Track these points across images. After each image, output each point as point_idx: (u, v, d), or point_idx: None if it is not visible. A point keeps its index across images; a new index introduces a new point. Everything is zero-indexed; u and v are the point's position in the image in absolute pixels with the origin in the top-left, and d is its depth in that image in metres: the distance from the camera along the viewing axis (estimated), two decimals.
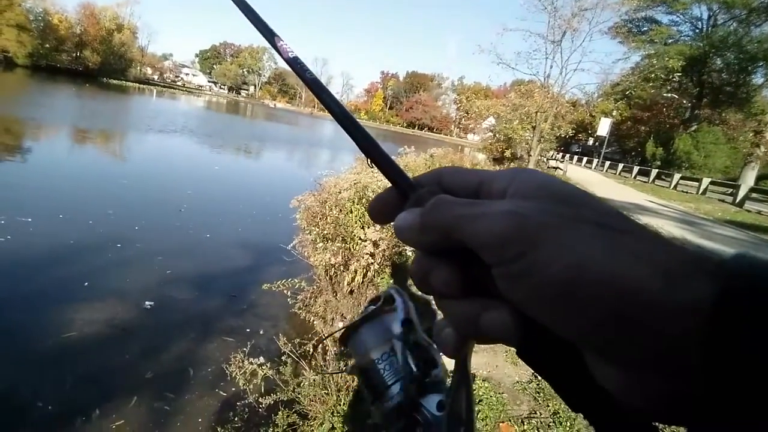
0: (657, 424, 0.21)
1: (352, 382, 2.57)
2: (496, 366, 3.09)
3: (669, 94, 37.34)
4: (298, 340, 3.17)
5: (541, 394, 2.78)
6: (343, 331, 0.41)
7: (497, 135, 22.22)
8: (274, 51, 0.37)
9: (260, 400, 2.62)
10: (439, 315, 0.28)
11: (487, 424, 2.41)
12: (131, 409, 2.67)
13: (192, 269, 4.82)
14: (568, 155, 38.35)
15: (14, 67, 47.50)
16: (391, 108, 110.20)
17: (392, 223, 0.28)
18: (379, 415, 0.37)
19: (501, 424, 2.44)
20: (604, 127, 31.51)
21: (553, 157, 28.22)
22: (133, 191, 7.75)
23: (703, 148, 30.14)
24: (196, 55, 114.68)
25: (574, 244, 0.20)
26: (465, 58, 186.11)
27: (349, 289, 4.08)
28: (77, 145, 12.07)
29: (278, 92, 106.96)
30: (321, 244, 4.22)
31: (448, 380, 0.35)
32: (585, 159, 41.51)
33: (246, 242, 5.96)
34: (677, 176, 23.90)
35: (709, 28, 32.23)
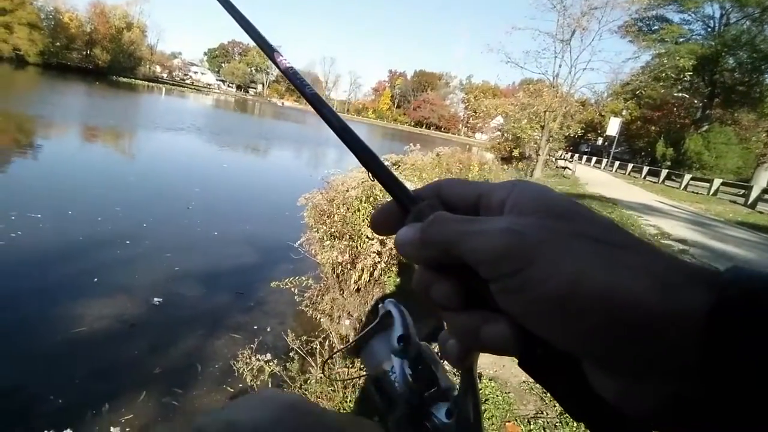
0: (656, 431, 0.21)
1: (359, 380, 2.57)
2: (502, 365, 3.08)
3: (680, 94, 36.96)
4: (305, 337, 3.18)
5: (548, 395, 2.76)
6: (354, 342, 0.43)
7: (505, 134, 22.16)
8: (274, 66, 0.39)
9: None
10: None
11: (493, 424, 2.40)
12: (140, 403, 2.69)
13: (200, 266, 4.85)
14: (577, 155, 38.11)
15: (26, 65, 48.09)
16: (398, 107, 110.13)
17: (394, 238, 0.28)
18: (393, 424, 0.39)
19: (507, 423, 2.43)
20: (613, 126, 31.21)
21: (562, 157, 28.09)
22: (142, 188, 7.82)
23: (714, 148, 29.77)
24: (205, 54, 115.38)
25: (569, 260, 0.21)
26: (473, 57, 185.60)
27: (356, 288, 4.08)
28: (86, 143, 12.19)
29: (286, 91, 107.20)
30: (328, 242, 4.23)
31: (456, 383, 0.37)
32: (594, 159, 41.17)
33: (253, 240, 5.99)
34: (688, 177, 23.60)
35: (722, 27, 31.84)
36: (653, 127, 40.22)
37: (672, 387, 0.19)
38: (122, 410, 2.60)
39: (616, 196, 14.35)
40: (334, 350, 3.15)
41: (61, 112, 16.47)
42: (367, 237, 4.14)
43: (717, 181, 20.39)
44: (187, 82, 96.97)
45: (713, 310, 0.18)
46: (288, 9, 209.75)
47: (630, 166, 32.35)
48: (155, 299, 3.92)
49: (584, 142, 51.82)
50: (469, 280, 0.24)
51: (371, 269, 4.10)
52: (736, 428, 0.18)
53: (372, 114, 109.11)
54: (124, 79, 59.65)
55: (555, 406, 2.68)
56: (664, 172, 26.10)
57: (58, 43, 56.73)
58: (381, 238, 4.00)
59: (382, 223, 0.30)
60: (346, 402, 2.54)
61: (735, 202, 17.46)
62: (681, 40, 33.23)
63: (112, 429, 2.44)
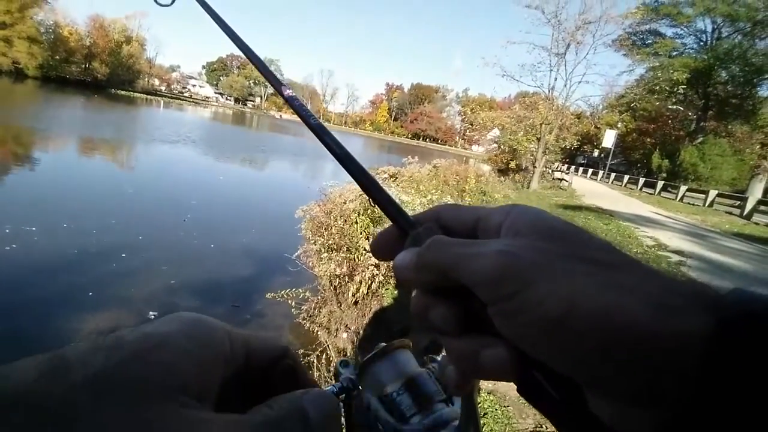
0: None
1: None
2: None
3: (674, 106, 37.34)
4: (302, 350, 3.15)
5: None
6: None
7: (502, 146, 22.29)
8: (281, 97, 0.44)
9: None
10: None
11: None
12: None
13: (196, 279, 4.81)
14: (573, 167, 38.33)
15: (25, 79, 48.30)
16: (395, 119, 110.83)
17: (392, 262, 0.28)
18: None
19: None
20: (609, 138, 31.47)
21: (558, 169, 28.24)
22: (138, 201, 7.79)
23: (709, 160, 30.01)
24: (203, 67, 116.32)
25: (565, 281, 0.21)
26: (469, 71, 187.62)
27: (354, 300, 4.05)
28: (83, 155, 12.20)
29: (284, 104, 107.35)
30: (326, 255, 4.21)
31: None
32: (590, 171, 41.43)
33: (250, 252, 5.96)
34: (684, 188, 23.71)
35: (714, 41, 32.34)
36: (648, 139, 40.54)
37: (670, 411, 0.18)
38: None
39: (613, 207, 14.39)
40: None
41: (59, 125, 16.51)
42: (365, 249, 4.12)
43: (713, 193, 20.49)
44: (186, 95, 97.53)
45: (713, 334, 0.18)
46: (286, 21, 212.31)
47: (626, 177, 32.53)
48: (150, 313, 3.88)
49: (580, 154, 52.12)
50: (467, 304, 0.24)
51: (369, 282, 4.08)
52: None
53: (369, 126, 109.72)
54: (123, 92, 59.98)
55: None
56: (660, 184, 26.22)
57: (57, 57, 57.08)
58: None
59: (383, 247, 0.30)
60: None
61: (731, 213, 17.52)
62: (674, 53, 33.72)
63: None
